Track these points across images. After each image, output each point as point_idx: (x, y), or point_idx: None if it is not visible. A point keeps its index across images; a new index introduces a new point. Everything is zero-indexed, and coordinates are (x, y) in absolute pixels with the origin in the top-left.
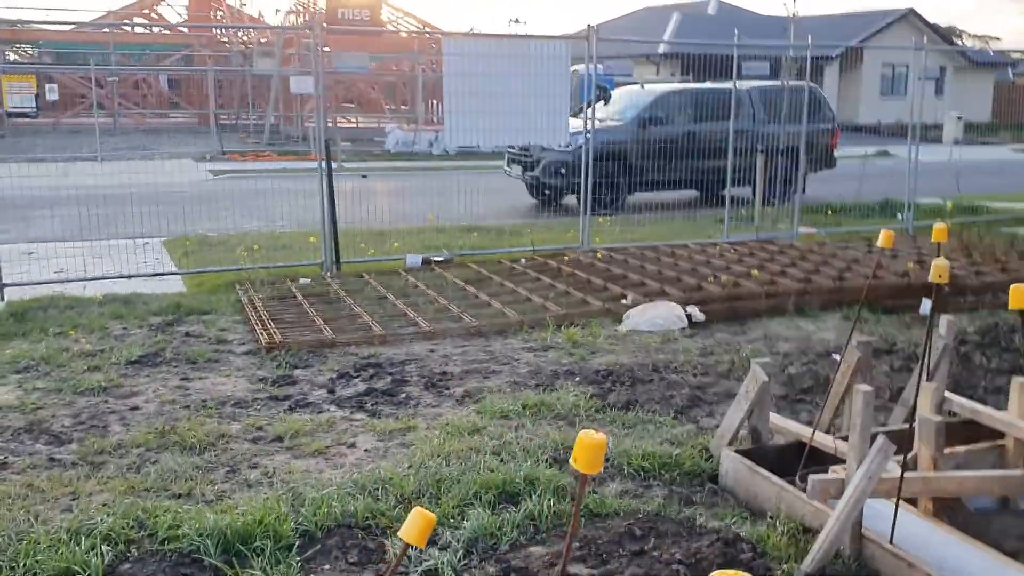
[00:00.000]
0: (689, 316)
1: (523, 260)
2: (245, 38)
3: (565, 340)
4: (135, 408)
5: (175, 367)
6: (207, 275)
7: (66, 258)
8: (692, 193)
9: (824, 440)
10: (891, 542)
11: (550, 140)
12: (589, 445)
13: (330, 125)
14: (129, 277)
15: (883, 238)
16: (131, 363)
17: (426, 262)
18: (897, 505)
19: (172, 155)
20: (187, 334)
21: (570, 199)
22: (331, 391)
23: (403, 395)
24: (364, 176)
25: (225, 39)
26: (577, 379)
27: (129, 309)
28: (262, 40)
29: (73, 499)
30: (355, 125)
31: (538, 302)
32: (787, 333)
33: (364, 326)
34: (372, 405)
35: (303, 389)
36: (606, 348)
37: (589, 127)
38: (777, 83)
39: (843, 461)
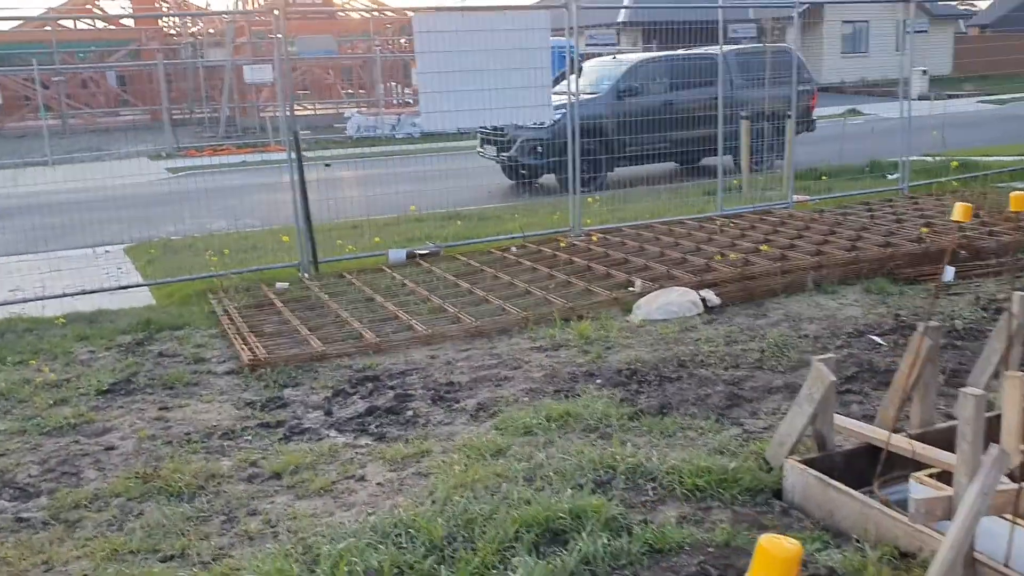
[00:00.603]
0: (704, 300)
1: (514, 248)
2: (193, 29)
3: (576, 336)
4: (110, 448)
5: (151, 394)
6: (176, 285)
7: (20, 275)
8: (670, 166)
9: (899, 443)
10: (1006, 565)
11: (534, 117)
12: (781, 560)
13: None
14: (92, 292)
15: (959, 211)
16: (101, 393)
17: (411, 256)
18: (1013, 522)
19: (126, 154)
20: (160, 354)
21: (548, 179)
22: (328, 412)
23: (409, 412)
24: (328, 164)
25: (173, 31)
26: (598, 381)
27: (95, 329)
28: (210, 31)
29: (47, 571)
30: (313, 112)
31: (539, 295)
32: (810, 312)
33: (354, 334)
34: (376, 427)
35: (296, 412)
36: (622, 343)
37: (573, 100)
38: (750, 47)
39: (920, 465)
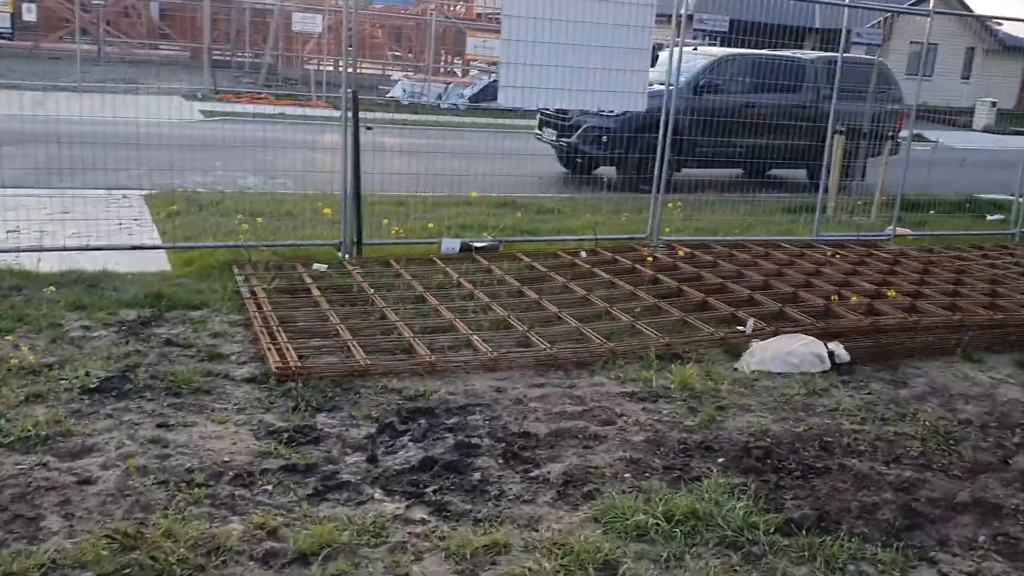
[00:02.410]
0: (832, 355)
1: (583, 253)
2: None
3: (677, 384)
4: (86, 480)
5: (150, 400)
6: (197, 251)
7: (26, 212)
8: (735, 172)
9: None
10: None
11: (628, 104)
12: None
13: (330, 70)
14: (97, 249)
15: None
16: (88, 392)
17: (465, 248)
18: None
19: (161, 91)
20: (169, 341)
21: (605, 171)
22: (372, 458)
23: (476, 474)
24: (369, 128)
25: None
26: (720, 460)
27: (94, 296)
28: None
29: None
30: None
31: (624, 319)
32: (959, 387)
33: (404, 344)
34: (435, 492)
35: (332, 453)
36: (737, 401)
37: (669, 88)
38: (835, 55)
39: None
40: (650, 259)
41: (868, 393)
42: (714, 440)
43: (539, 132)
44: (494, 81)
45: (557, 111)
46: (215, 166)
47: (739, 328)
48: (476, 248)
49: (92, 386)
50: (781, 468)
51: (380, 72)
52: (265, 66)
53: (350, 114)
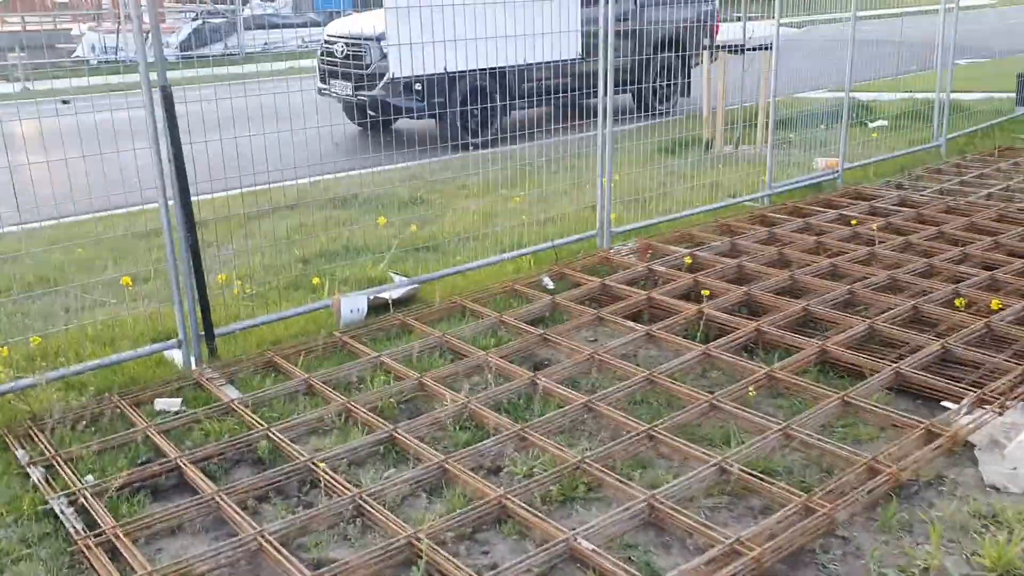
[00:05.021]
0: None
1: (547, 280)
2: None
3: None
4: None
5: None
6: None
7: None
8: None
9: None
10: None
11: (561, 48)
12: None
13: None
14: None
15: None
16: None
17: (376, 307)
18: None
19: None
20: None
21: (405, 123)
22: None
23: None
24: (65, 102)
25: None
26: None
27: None
28: None
29: None
30: (22, 28)
31: (774, 431)
32: None
33: None
34: None
35: None
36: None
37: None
38: None
39: None
40: (657, 274)
41: None
42: None
43: (324, 86)
44: (204, 23)
45: (353, 57)
46: None
47: (955, 411)
48: (391, 301)
49: None
50: None
51: (52, 26)
52: None
53: (160, 114)
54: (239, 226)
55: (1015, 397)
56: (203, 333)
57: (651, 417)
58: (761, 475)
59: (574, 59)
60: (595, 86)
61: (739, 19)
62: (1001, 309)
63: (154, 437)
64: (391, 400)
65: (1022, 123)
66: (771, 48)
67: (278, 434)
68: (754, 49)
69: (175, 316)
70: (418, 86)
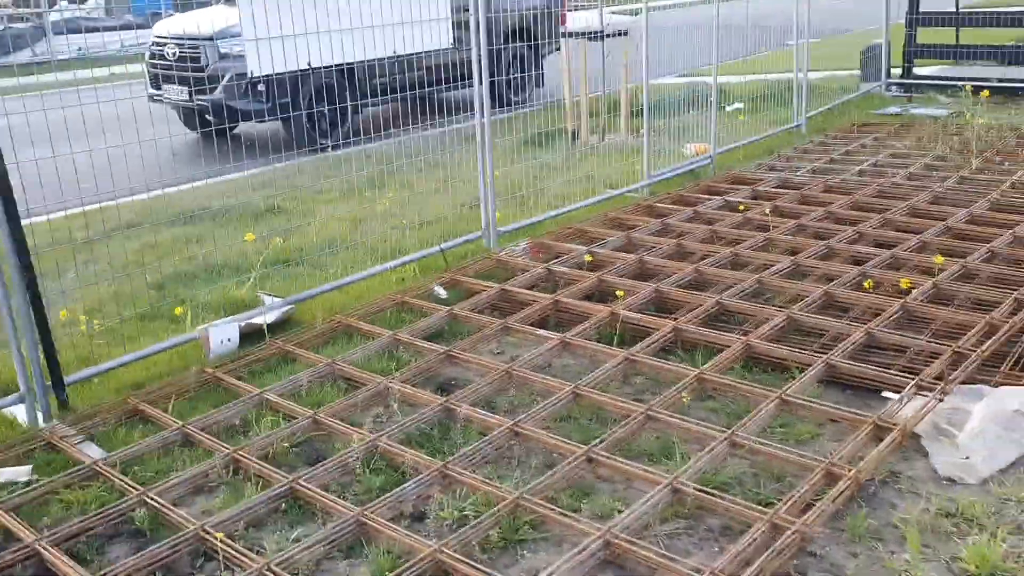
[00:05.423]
0: None
1: (439, 289)
2: None
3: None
4: None
5: None
6: None
7: None
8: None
9: None
10: None
11: (429, 39)
12: None
13: None
14: None
15: None
16: None
17: (249, 334)
18: None
19: None
20: None
21: (248, 128)
22: None
23: None
24: None
25: None
26: None
27: None
28: None
29: None
30: None
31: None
32: None
33: None
34: None
35: None
36: None
37: None
38: None
39: None
40: (565, 275)
41: None
42: None
43: (156, 91)
44: (6, 28)
45: (190, 59)
46: None
47: (888, 396)
48: (265, 327)
49: None
50: None
51: None
52: None
53: None
54: (76, 251)
55: (953, 381)
56: (50, 382)
57: (585, 436)
58: (714, 492)
59: (446, 48)
60: (455, 78)
61: (581, 7)
62: (911, 288)
63: (1, 518)
64: (284, 445)
65: (870, 99)
66: (628, 35)
67: (156, 498)
68: (611, 36)
69: (13, 364)
70: (262, 87)
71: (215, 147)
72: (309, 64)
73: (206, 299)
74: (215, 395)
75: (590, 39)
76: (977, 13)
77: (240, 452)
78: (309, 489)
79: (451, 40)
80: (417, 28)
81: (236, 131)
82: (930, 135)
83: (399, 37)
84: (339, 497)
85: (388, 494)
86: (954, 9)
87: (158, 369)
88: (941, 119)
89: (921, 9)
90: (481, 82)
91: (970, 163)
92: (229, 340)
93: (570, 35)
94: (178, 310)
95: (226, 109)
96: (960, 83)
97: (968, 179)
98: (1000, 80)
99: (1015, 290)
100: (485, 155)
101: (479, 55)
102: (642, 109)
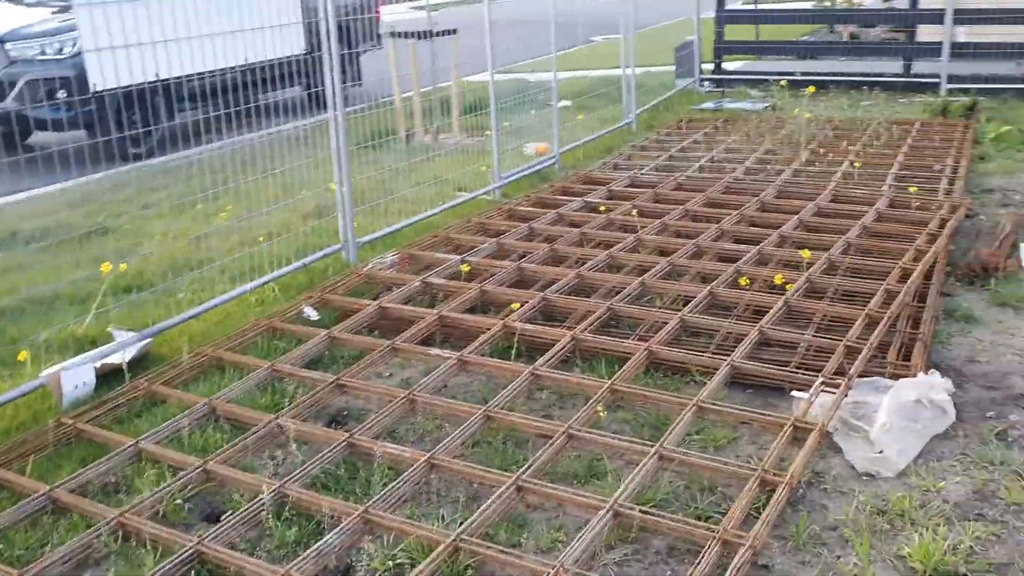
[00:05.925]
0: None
1: (310, 311)
2: None
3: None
4: None
5: None
6: None
7: None
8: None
9: None
10: None
11: (280, 45)
12: None
13: None
14: None
15: None
16: None
17: (105, 375)
18: None
19: None
20: None
21: (44, 136)
22: None
23: None
24: None
25: None
26: None
27: None
28: None
29: None
30: None
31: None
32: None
33: None
34: None
35: None
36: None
37: None
38: None
39: None
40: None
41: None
42: None
43: None
44: None
45: None
46: None
47: (796, 395)
48: (123, 365)
49: None
50: None
51: None
52: None
53: None
54: None
55: (853, 375)
56: None
57: (504, 462)
58: (655, 512)
59: (298, 55)
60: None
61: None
62: (785, 284)
63: None
64: (176, 502)
65: (688, 95)
66: (457, 32)
67: None
68: (440, 34)
69: None
70: (62, 93)
71: (8, 160)
72: (157, 75)
73: (42, 338)
74: (80, 449)
75: (419, 39)
76: (775, 11)
77: (126, 515)
78: (217, 551)
79: (304, 46)
80: (266, 35)
81: (29, 141)
82: (755, 130)
83: (249, 44)
84: (253, 557)
85: (309, 549)
86: (753, 6)
87: (2, 424)
88: (757, 113)
89: (727, 7)
90: (333, 80)
91: (799, 155)
92: (84, 384)
93: (397, 35)
94: (22, 355)
95: (20, 119)
96: (768, 77)
97: (801, 171)
98: (803, 73)
99: (882, 281)
100: (341, 159)
101: (330, 50)
102: (472, 107)
